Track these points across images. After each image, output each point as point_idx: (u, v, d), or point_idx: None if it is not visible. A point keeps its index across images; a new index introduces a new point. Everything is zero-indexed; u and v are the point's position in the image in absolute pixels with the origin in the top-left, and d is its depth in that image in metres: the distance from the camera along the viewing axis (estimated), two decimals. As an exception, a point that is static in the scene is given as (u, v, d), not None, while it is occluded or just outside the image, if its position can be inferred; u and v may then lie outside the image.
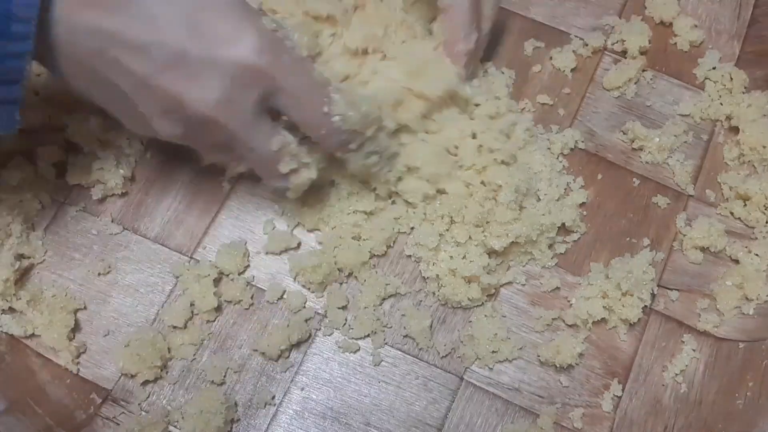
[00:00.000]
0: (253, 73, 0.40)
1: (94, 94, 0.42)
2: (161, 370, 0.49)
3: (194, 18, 0.38)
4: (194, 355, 0.50)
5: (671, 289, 0.52)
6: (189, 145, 0.44)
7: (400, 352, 0.50)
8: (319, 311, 0.51)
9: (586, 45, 0.59)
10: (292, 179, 0.45)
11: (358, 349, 0.50)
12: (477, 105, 0.52)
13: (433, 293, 0.51)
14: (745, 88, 0.57)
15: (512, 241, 0.50)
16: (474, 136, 0.51)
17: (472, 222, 0.50)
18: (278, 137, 0.43)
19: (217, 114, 0.40)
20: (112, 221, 0.53)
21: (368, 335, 0.50)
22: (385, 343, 0.50)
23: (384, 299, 0.51)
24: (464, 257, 0.50)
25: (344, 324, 0.50)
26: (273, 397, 0.49)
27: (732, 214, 0.54)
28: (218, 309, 0.50)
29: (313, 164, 0.46)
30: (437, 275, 0.50)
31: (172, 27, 0.38)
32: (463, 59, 0.50)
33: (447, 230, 0.51)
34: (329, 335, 0.50)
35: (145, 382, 0.49)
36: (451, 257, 0.50)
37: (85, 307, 0.50)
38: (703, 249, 0.53)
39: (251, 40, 0.39)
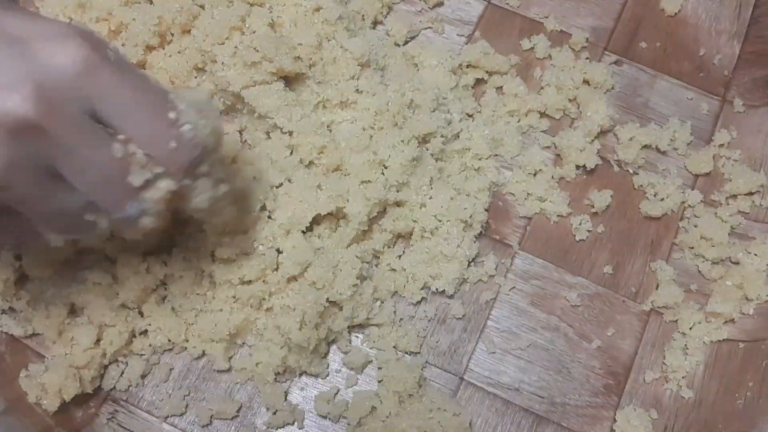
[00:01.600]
0: (77, 77, 0.33)
1: None
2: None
3: None
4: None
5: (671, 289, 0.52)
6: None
7: (400, 353, 0.50)
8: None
9: (586, 45, 0.59)
10: (149, 194, 0.36)
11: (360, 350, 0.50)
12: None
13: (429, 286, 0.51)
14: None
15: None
16: None
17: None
18: (117, 143, 0.35)
19: (39, 119, 0.32)
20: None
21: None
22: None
23: (383, 300, 0.51)
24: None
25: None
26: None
27: (732, 213, 0.54)
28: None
29: (167, 175, 0.37)
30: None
31: None
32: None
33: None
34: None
35: (146, 381, 0.49)
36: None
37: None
38: (703, 249, 0.53)
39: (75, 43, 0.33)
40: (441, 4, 0.60)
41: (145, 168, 0.36)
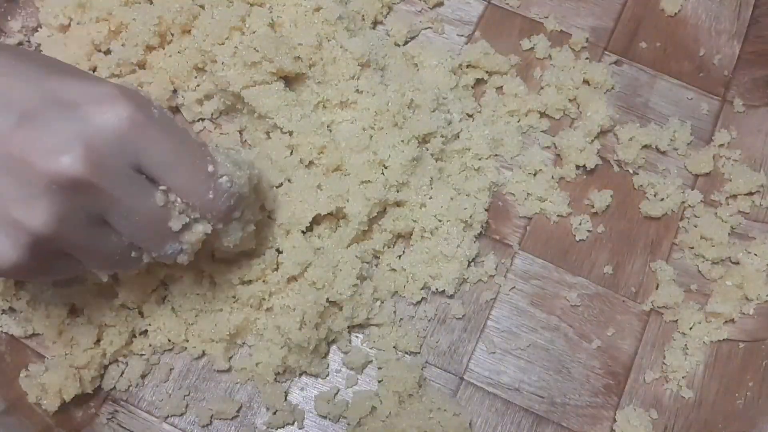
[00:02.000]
0: (124, 136, 0.36)
1: None
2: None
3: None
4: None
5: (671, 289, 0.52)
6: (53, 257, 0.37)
7: (400, 353, 0.50)
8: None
9: (586, 45, 0.59)
10: (187, 237, 0.40)
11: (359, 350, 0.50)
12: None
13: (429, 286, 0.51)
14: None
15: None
16: None
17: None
18: (159, 192, 0.38)
19: (89, 176, 0.35)
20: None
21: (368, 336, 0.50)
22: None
23: (383, 301, 0.51)
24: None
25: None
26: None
27: (732, 213, 0.54)
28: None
29: (204, 220, 0.40)
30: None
31: None
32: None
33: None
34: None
35: (146, 381, 0.49)
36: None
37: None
38: (703, 249, 0.53)
39: (123, 105, 0.36)
40: (441, 4, 0.60)
41: (184, 214, 0.39)
